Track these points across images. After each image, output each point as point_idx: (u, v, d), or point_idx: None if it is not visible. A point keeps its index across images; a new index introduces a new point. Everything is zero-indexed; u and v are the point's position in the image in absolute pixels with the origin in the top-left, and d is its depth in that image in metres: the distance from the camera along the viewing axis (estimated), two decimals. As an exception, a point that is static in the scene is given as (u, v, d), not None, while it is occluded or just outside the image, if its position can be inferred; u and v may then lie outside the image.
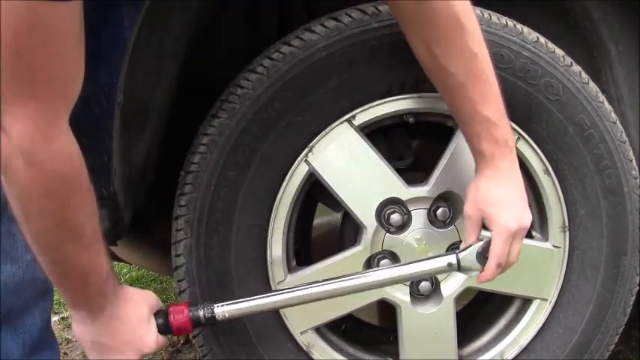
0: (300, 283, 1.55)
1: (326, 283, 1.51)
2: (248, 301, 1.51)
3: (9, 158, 1.14)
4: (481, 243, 1.51)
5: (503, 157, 1.47)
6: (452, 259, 1.51)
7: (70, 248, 1.25)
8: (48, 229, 1.22)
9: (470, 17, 1.41)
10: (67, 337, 2.94)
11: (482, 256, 1.50)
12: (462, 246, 1.53)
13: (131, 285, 3.45)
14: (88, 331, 1.38)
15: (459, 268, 1.52)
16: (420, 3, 1.38)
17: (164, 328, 1.47)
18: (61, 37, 1.12)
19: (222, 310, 1.49)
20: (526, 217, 1.49)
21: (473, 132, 1.47)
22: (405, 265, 1.55)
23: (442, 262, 1.52)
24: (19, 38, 1.07)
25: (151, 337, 1.43)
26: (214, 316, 1.49)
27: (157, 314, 1.47)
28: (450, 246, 1.69)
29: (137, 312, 1.42)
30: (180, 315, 1.47)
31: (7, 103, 1.11)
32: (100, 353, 1.40)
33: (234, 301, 1.51)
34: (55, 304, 3.34)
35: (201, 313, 1.48)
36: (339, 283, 1.51)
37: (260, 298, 1.52)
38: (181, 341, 2.80)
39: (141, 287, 3.39)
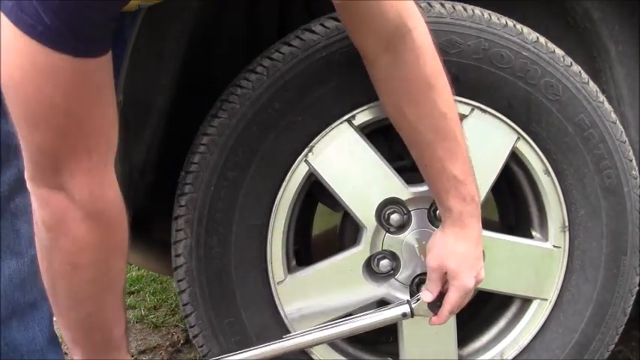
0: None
1: (289, 337, 1.58)
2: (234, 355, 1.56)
3: (64, 214, 1.17)
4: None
5: (470, 215, 1.50)
6: (405, 309, 1.55)
7: (108, 297, 1.29)
8: (94, 279, 1.25)
9: (441, 77, 1.43)
10: (67, 337, 2.93)
11: (435, 304, 1.54)
12: (424, 298, 1.55)
13: (130, 285, 3.48)
14: None
15: (412, 316, 1.56)
16: (395, 60, 1.41)
17: None
18: (103, 88, 1.16)
19: None
20: (482, 274, 1.54)
21: (441, 189, 1.50)
22: (360, 317, 1.58)
23: (397, 312, 1.56)
24: (68, 97, 1.10)
25: None
26: None
27: None
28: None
29: None
30: None
31: (63, 160, 1.14)
32: None
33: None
34: (55, 304, 3.34)
35: None
36: (299, 338, 1.57)
37: (237, 353, 1.56)
38: (181, 341, 2.80)
39: (140, 287, 3.43)
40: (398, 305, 1.57)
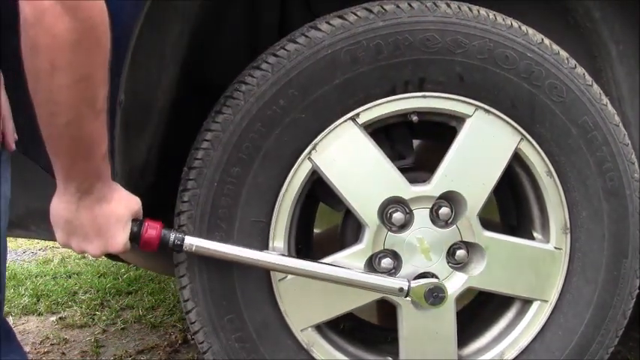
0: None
1: (298, 260, 1.60)
2: (218, 245, 1.56)
3: (44, 9, 1.14)
4: (434, 281, 1.60)
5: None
6: (404, 285, 1.59)
7: (85, 110, 1.26)
8: (71, 85, 1.22)
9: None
10: (65, 337, 2.93)
11: (431, 294, 1.58)
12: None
13: (129, 285, 3.48)
14: (68, 209, 1.38)
15: (407, 295, 1.59)
16: None
17: (134, 236, 1.48)
18: None
19: (192, 242, 1.53)
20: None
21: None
22: (358, 272, 1.61)
23: (395, 284, 1.60)
24: None
25: (120, 239, 1.44)
26: (182, 245, 1.52)
27: (134, 221, 1.48)
28: (451, 246, 1.69)
29: (119, 210, 1.43)
30: (152, 230, 1.50)
31: None
32: (68, 235, 1.42)
33: (206, 240, 1.56)
34: (54, 303, 3.34)
35: (172, 236, 1.52)
36: (306, 264, 1.59)
37: (230, 247, 1.56)
38: (179, 341, 2.80)
39: (139, 287, 3.44)
40: (399, 279, 1.60)
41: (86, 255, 4.07)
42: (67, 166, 1.33)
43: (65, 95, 1.23)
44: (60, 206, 1.39)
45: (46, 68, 1.20)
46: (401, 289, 1.58)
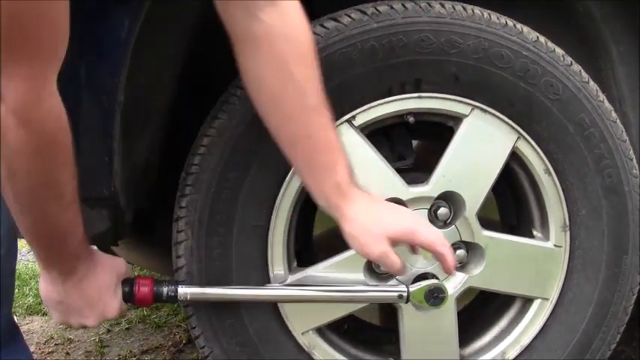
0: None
1: (290, 288, 1.62)
2: (212, 289, 1.58)
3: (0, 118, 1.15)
4: (433, 282, 1.59)
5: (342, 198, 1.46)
6: (403, 291, 1.58)
7: (52, 207, 1.28)
8: (33, 187, 1.24)
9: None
10: (70, 337, 2.94)
11: (432, 295, 1.57)
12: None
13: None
14: (56, 291, 1.40)
15: (408, 300, 1.59)
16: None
17: (127, 297, 1.50)
18: (53, 2, 1.15)
19: (185, 291, 1.55)
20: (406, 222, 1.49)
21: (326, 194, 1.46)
22: (356, 289, 1.62)
23: (394, 292, 1.59)
24: (14, 1, 1.09)
25: (114, 305, 1.47)
26: (176, 295, 1.54)
27: (124, 282, 1.50)
28: (451, 246, 1.68)
29: (106, 278, 1.45)
30: (145, 287, 1.52)
31: (2, 64, 1.13)
32: (64, 314, 1.44)
33: (199, 287, 1.58)
34: (57, 304, 3.34)
35: (164, 289, 1.53)
36: (297, 291, 1.61)
37: (223, 288, 1.59)
38: (184, 341, 2.80)
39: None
40: (397, 286, 1.61)
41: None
42: (44, 255, 1.36)
43: (28, 197, 1.26)
44: (48, 289, 1.41)
45: (6, 174, 1.22)
46: (400, 296, 1.58)
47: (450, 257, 1.47)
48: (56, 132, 1.22)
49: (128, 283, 1.51)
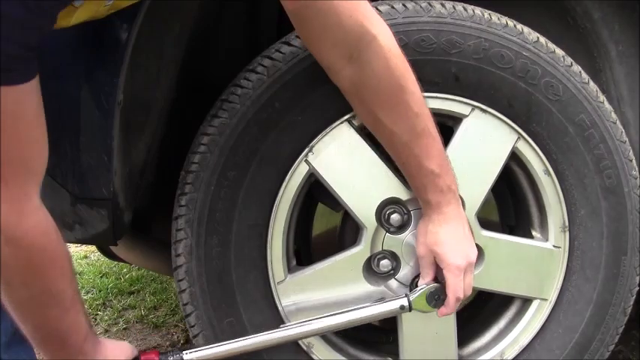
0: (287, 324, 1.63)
1: (301, 325, 1.59)
2: (216, 347, 1.56)
3: None
4: (431, 285, 1.60)
5: (448, 203, 1.54)
6: (404, 302, 1.60)
7: (52, 313, 1.31)
8: (30, 297, 1.27)
9: (410, 77, 1.45)
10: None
11: (433, 297, 1.59)
12: (420, 282, 1.63)
13: (131, 285, 3.48)
14: None
15: (411, 309, 1.60)
16: (362, 71, 1.42)
17: None
18: (23, 117, 1.17)
19: (191, 356, 1.54)
20: (471, 253, 1.57)
21: (419, 184, 1.55)
22: (357, 309, 1.60)
23: (395, 305, 1.60)
24: None
25: None
26: None
27: None
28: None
29: None
30: None
31: None
32: None
33: (202, 347, 1.56)
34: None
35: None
36: (300, 327, 1.59)
37: (227, 343, 1.57)
38: (181, 341, 2.81)
39: (141, 287, 3.43)
40: (397, 298, 1.61)
41: (88, 255, 4.09)
42: (49, 356, 1.37)
43: (26, 306, 1.29)
44: None
45: (3, 285, 1.25)
46: (402, 307, 1.60)
47: (449, 307, 1.58)
48: (45, 245, 1.25)
49: None
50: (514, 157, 1.69)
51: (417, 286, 1.68)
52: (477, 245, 1.68)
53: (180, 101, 1.73)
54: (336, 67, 1.46)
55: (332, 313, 1.60)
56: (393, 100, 1.45)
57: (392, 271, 1.68)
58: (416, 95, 1.46)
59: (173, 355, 1.52)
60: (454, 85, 1.60)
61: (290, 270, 1.67)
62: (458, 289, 1.56)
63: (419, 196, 1.57)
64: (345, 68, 1.44)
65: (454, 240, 1.55)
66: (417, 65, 1.57)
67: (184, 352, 1.53)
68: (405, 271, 1.67)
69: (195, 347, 1.57)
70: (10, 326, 1.54)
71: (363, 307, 1.61)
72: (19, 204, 1.20)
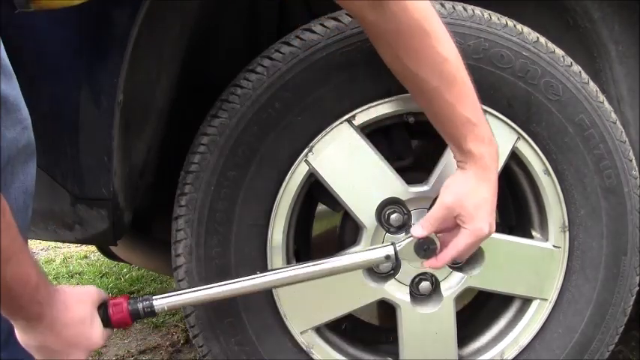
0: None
1: (266, 274, 1.53)
2: (185, 293, 1.52)
3: None
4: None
5: (492, 157, 1.48)
6: (389, 251, 1.53)
7: None
8: None
9: (434, 22, 1.42)
10: (68, 337, 2.93)
11: (422, 247, 1.53)
12: (413, 232, 1.53)
13: (131, 285, 3.48)
14: (31, 338, 1.37)
15: (397, 259, 1.54)
16: (382, 15, 1.40)
17: (104, 323, 1.44)
18: None
19: (161, 302, 1.49)
20: (494, 225, 1.51)
21: (457, 134, 1.48)
22: (341, 257, 1.56)
23: (380, 253, 1.53)
24: None
25: (95, 334, 1.41)
26: (153, 310, 1.48)
27: (99, 307, 1.45)
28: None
29: (78, 312, 1.40)
30: (119, 308, 1.46)
31: None
32: (51, 357, 1.40)
33: (172, 294, 1.51)
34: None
35: (140, 306, 1.47)
36: (282, 273, 1.53)
37: (196, 290, 1.52)
38: (181, 341, 2.80)
39: (140, 287, 3.44)
40: (383, 246, 1.55)
41: (88, 255, 4.09)
42: (4, 307, 1.31)
43: None
44: (25, 338, 1.37)
45: None
46: (387, 257, 1.53)
47: (440, 261, 1.51)
48: None
49: (102, 308, 1.45)
50: (514, 156, 1.69)
51: (417, 287, 1.68)
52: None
53: (180, 101, 1.73)
54: (362, 15, 1.42)
55: (313, 262, 1.54)
56: (416, 44, 1.41)
57: (392, 271, 1.68)
58: (443, 40, 1.42)
59: (142, 301, 1.47)
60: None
61: (290, 270, 1.67)
62: (465, 252, 1.50)
63: (459, 149, 1.49)
64: (368, 14, 1.41)
65: (489, 204, 1.48)
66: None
67: (154, 297, 1.49)
68: (405, 271, 1.68)
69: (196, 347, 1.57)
70: (9, 325, 1.54)
71: (346, 255, 1.56)
72: None
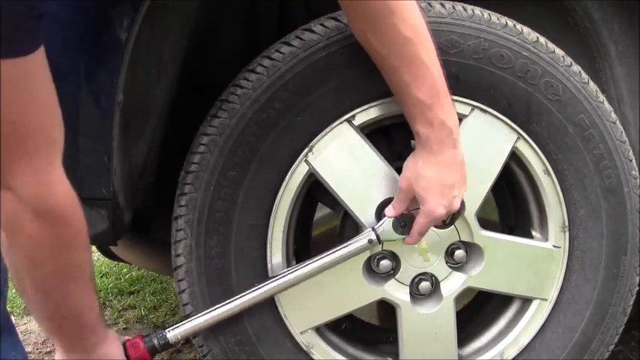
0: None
1: (266, 284, 1.60)
2: (195, 319, 1.59)
3: (14, 213, 1.19)
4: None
5: (440, 142, 1.50)
6: (371, 235, 1.59)
7: (73, 287, 1.32)
8: (55, 271, 1.28)
9: (402, 3, 1.42)
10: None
11: (399, 224, 1.58)
12: (386, 212, 1.58)
13: (131, 285, 3.49)
14: None
15: (380, 241, 1.59)
16: None
17: None
18: (35, 89, 1.17)
19: (174, 333, 1.58)
20: (455, 204, 1.54)
21: (409, 114, 1.52)
22: (327, 254, 1.60)
23: (363, 240, 1.59)
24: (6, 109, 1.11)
25: None
26: (168, 342, 1.57)
27: None
28: (450, 246, 1.69)
29: (118, 349, 1.50)
30: (136, 348, 1.54)
31: (4, 164, 1.16)
32: None
33: (182, 322, 1.59)
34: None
35: (155, 342, 1.56)
36: (280, 279, 1.60)
37: (204, 314, 1.59)
38: (181, 342, 2.79)
39: (140, 287, 3.44)
40: (363, 233, 1.60)
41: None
42: (66, 339, 1.40)
43: (51, 282, 1.30)
44: None
45: (27, 264, 1.26)
46: (371, 241, 1.59)
47: (416, 231, 1.55)
48: (71, 214, 1.26)
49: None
50: (514, 156, 1.69)
51: (417, 287, 1.69)
52: (477, 245, 1.68)
53: (180, 101, 1.73)
54: None
55: (304, 263, 1.60)
56: (381, 22, 1.42)
57: (392, 272, 1.68)
58: (408, 20, 1.43)
59: (156, 335, 1.55)
60: (454, 85, 1.59)
61: (290, 270, 1.67)
62: (425, 229, 1.56)
63: (411, 127, 1.53)
64: None
65: (439, 184, 1.51)
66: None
67: (166, 329, 1.56)
68: (405, 272, 1.68)
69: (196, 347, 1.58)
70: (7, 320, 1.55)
71: (333, 252, 1.60)
72: (46, 175, 1.20)
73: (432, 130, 1.49)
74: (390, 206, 1.58)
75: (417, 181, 1.52)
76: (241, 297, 1.59)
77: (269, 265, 1.64)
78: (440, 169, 1.51)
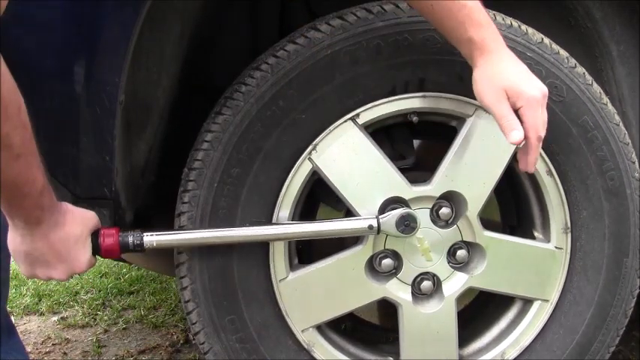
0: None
1: (258, 227, 1.59)
2: (177, 234, 1.57)
3: None
4: (400, 211, 1.58)
5: (495, 39, 1.47)
6: (373, 221, 1.58)
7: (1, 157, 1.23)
8: None
9: None
10: (67, 337, 2.93)
11: (402, 222, 1.57)
12: (512, 138, 1.46)
13: (130, 285, 3.48)
14: (24, 242, 1.37)
15: (379, 231, 1.58)
16: None
17: (94, 249, 1.46)
18: None
19: (151, 239, 1.52)
20: (543, 86, 1.48)
21: (456, 24, 1.46)
22: (329, 221, 1.62)
23: (364, 223, 1.58)
24: None
25: (83, 258, 1.43)
26: (142, 244, 1.51)
27: (92, 234, 1.46)
28: (452, 246, 1.69)
29: (75, 230, 1.41)
30: (110, 238, 1.48)
31: None
32: (32, 266, 1.41)
33: (163, 232, 1.54)
34: (55, 303, 3.34)
35: (130, 239, 1.50)
36: (262, 229, 1.59)
37: (187, 232, 1.58)
38: (181, 341, 2.80)
39: (140, 287, 3.44)
40: (367, 218, 1.60)
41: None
42: (6, 205, 1.32)
43: None
44: (16, 241, 1.38)
45: None
46: (370, 227, 1.58)
47: (532, 150, 1.47)
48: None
49: (93, 235, 1.47)
50: (516, 157, 1.68)
51: (419, 286, 1.69)
52: (480, 245, 1.68)
53: (181, 101, 1.73)
54: None
55: (299, 222, 1.61)
56: None
57: (394, 271, 1.68)
58: None
59: (134, 234, 1.50)
60: (458, 85, 1.60)
61: (292, 268, 1.67)
62: (537, 125, 1.45)
63: (459, 40, 1.48)
64: None
65: (523, 73, 1.47)
66: (421, 65, 1.58)
67: (146, 233, 1.52)
68: (407, 271, 1.68)
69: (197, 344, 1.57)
70: (8, 323, 1.55)
71: (333, 221, 1.61)
72: None
73: (484, 29, 1.45)
74: (513, 131, 1.44)
75: (505, 80, 1.45)
76: (229, 229, 1.58)
77: (271, 262, 1.64)
78: (513, 62, 1.48)
